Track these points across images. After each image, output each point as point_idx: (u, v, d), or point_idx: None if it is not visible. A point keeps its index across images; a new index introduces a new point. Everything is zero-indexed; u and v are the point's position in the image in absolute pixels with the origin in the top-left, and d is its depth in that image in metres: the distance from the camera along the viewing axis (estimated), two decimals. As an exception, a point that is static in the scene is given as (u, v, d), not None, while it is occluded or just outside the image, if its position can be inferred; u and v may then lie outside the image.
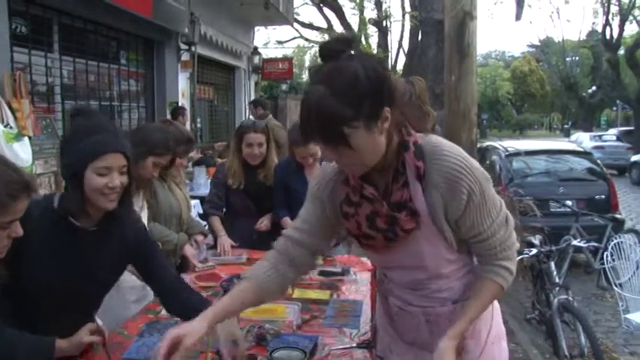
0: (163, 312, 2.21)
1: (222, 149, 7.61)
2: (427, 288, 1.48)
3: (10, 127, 4.16)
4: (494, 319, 1.56)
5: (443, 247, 1.42)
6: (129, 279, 2.21)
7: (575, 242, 4.20)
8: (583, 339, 3.51)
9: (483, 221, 1.38)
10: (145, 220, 2.53)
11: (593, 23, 36.65)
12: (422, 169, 1.34)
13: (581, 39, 31.46)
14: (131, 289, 2.35)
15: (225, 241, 3.14)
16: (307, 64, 44.53)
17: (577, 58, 37.81)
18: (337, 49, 1.27)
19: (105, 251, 1.67)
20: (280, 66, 13.27)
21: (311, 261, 1.59)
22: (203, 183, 5.86)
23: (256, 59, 11.81)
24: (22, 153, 4.17)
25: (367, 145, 1.27)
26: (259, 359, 1.77)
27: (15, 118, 4.31)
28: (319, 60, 1.32)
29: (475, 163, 1.37)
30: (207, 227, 3.39)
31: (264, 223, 3.23)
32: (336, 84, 1.22)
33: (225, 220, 3.35)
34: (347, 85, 1.22)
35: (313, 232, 1.53)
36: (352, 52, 1.28)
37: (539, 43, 35.67)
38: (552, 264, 3.96)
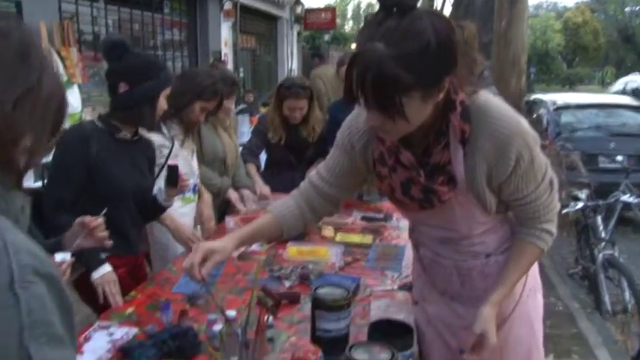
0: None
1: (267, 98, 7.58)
2: (459, 244, 1.45)
3: (60, 75, 4.28)
4: (529, 273, 1.49)
5: (477, 212, 1.36)
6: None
7: (624, 198, 4.06)
8: (627, 295, 3.45)
9: (528, 185, 1.31)
10: (195, 164, 2.57)
11: (657, -31, 34.26)
12: (467, 133, 1.24)
13: (643, -14, 29.53)
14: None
15: (262, 186, 3.14)
16: (350, 14, 43.50)
17: (638, 7, 35.60)
18: (408, 4, 1.11)
19: (141, 154, 2.11)
20: (323, 16, 13.01)
21: (332, 209, 1.59)
22: (246, 132, 5.92)
23: (299, 9, 11.63)
24: (72, 100, 4.30)
25: (419, 115, 1.17)
26: (302, 298, 1.82)
27: (64, 66, 4.43)
28: (377, 8, 1.16)
29: (526, 125, 1.27)
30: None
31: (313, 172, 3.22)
32: (403, 47, 1.08)
33: (266, 170, 3.39)
34: (416, 50, 1.08)
35: (337, 183, 1.49)
36: (419, 6, 1.13)
37: (595, -8, 33.71)
38: (599, 218, 3.86)
